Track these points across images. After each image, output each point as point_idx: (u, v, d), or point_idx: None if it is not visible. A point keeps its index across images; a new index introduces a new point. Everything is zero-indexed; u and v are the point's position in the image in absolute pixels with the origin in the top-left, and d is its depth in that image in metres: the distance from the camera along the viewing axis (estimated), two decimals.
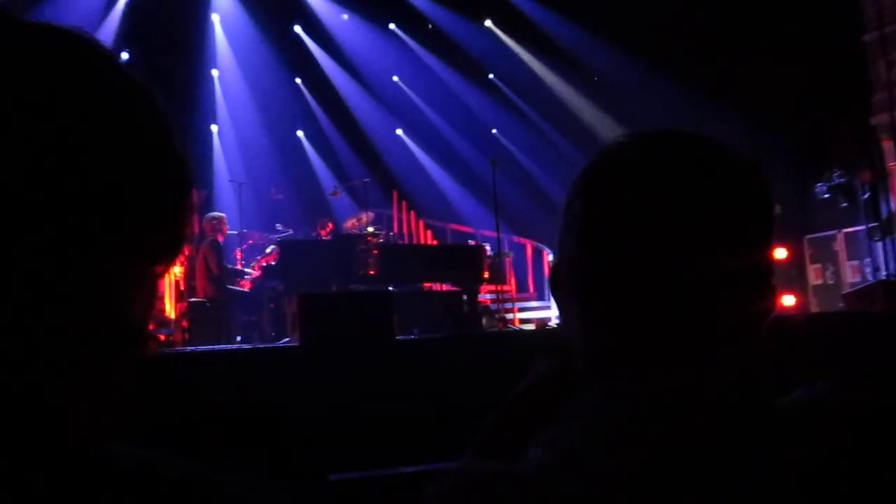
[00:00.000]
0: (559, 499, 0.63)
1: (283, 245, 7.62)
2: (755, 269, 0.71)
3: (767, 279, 0.72)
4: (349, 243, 7.59)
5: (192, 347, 6.23)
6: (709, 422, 0.66)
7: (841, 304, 8.20)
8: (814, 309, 9.49)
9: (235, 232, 8.61)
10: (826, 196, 9.88)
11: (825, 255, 10.00)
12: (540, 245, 10.98)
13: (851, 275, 9.61)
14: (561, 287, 0.77)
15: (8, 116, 0.49)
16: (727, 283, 0.69)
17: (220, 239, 7.59)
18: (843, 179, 9.60)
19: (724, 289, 0.69)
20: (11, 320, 0.48)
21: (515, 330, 7.71)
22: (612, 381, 0.70)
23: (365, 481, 2.58)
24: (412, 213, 11.60)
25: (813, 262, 10.13)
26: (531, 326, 9.44)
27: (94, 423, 0.52)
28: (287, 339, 6.23)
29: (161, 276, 0.58)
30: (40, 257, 0.49)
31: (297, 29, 11.83)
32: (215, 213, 7.88)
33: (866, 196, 8.90)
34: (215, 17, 11.08)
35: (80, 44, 0.55)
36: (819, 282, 10.06)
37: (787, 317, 6.18)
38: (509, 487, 0.65)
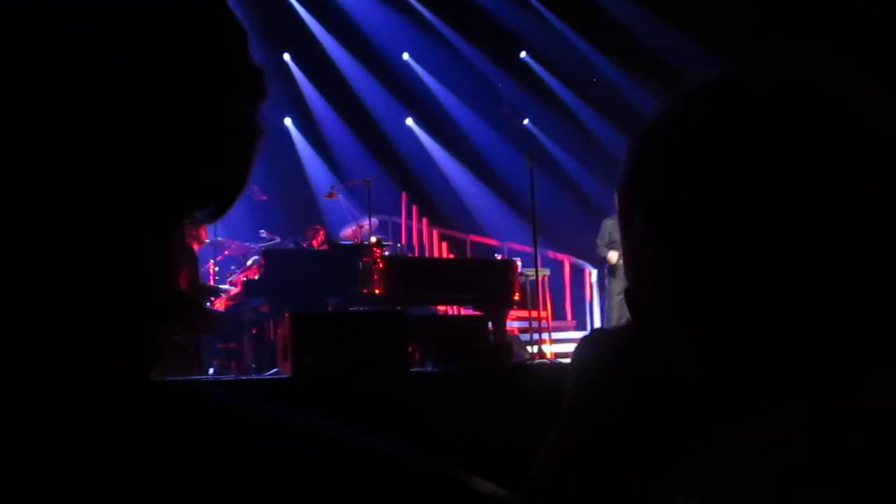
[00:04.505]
0: None
1: (269, 256, 7.44)
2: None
3: None
4: (349, 256, 7.45)
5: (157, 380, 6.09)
6: None
7: None
8: None
9: (208, 240, 8.50)
10: None
11: None
12: (580, 262, 10.68)
13: None
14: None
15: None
16: None
17: (196, 248, 7.48)
18: None
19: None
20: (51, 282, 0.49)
21: (554, 363, 7.52)
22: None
23: None
24: (424, 220, 11.44)
25: None
26: (569, 361, 9.22)
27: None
28: (274, 370, 6.15)
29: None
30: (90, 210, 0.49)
31: None
32: None
33: None
34: None
35: None
36: None
37: None
38: None
